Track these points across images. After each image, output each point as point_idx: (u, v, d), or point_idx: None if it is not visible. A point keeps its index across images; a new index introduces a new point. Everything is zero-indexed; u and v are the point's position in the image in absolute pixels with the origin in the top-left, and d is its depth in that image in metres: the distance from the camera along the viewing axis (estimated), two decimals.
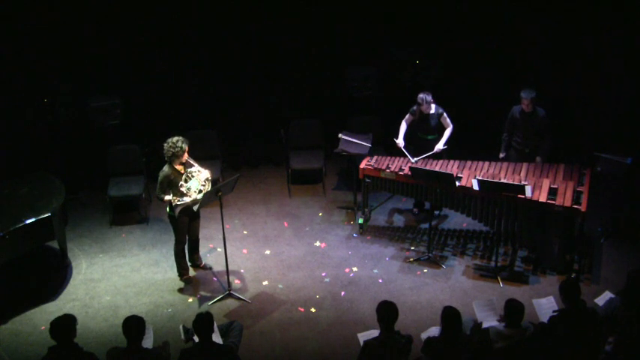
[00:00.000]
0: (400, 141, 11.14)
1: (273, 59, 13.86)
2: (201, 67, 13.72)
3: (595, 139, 12.08)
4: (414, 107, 11.13)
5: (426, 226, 11.14)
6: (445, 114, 11.09)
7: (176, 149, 9.50)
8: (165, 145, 9.56)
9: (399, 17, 13.50)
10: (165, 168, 9.65)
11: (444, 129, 11.11)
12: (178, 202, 9.69)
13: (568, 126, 12.69)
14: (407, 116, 11.23)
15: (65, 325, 7.41)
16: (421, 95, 10.89)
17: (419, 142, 11.20)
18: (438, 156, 11.07)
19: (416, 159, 10.94)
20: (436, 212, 11.60)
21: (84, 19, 12.88)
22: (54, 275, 10.63)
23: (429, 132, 11.14)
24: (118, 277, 10.59)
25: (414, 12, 13.41)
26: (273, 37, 13.68)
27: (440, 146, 11.04)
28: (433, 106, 11.01)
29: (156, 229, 11.61)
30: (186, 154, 9.61)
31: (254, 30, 13.60)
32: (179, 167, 9.67)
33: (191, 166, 9.74)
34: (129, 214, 11.98)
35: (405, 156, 11.06)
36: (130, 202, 11.97)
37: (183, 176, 9.66)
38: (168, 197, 9.67)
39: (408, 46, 13.58)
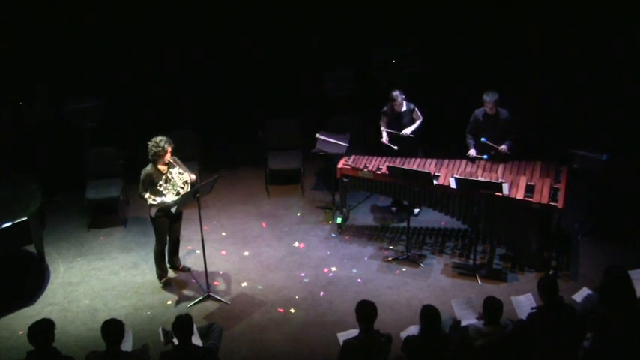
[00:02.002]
0: (385, 138, 11.27)
1: (251, 60, 13.83)
2: (178, 68, 13.68)
3: (571, 136, 12.16)
4: (385, 108, 11.25)
5: (404, 225, 11.15)
6: (417, 109, 11.17)
7: (158, 149, 9.53)
8: (149, 143, 9.61)
9: (376, 17, 13.51)
10: (148, 167, 9.70)
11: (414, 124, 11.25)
12: (153, 202, 9.70)
13: (544, 124, 12.76)
14: (382, 119, 11.34)
15: (43, 329, 7.37)
16: (396, 92, 11.00)
17: (392, 140, 11.28)
18: (414, 154, 11.12)
19: (386, 134, 11.25)
20: (416, 211, 11.62)
21: (61, 20, 12.81)
22: (32, 279, 10.56)
23: (402, 129, 11.21)
24: (97, 280, 10.55)
25: (391, 12, 13.43)
26: (250, 38, 13.66)
27: (407, 132, 11.16)
28: (404, 103, 11.09)
29: (134, 232, 11.57)
30: (169, 155, 9.63)
31: (232, 31, 13.57)
32: (162, 167, 9.70)
33: (174, 167, 9.75)
34: (107, 217, 11.92)
35: (385, 155, 11.14)
36: (108, 205, 11.89)
37: (164, 177, 9.67)
38: (147, 195, 9.69)
39: (384, 46, 13.60)
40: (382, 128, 11.36)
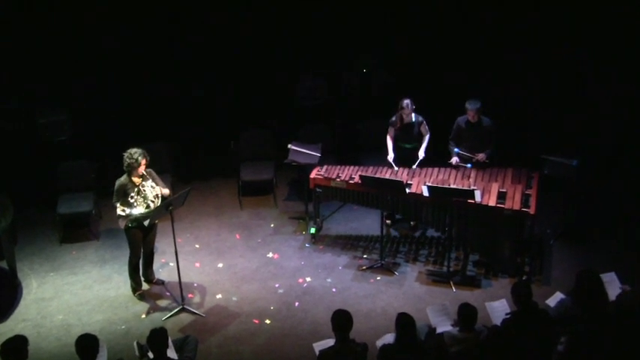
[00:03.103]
0: (391, 155, 11.14)
1: (222, 70, 13.81)
2: (149, 80, 13.63)
3: (541, 142, 12.25)
4: (393, 118, 11.10)
5: (378, 233, 11.15)
6: (425, 122, 11.13)
7: (131, 160, 9.53)
8: (124, 154, 9.61)
9: (347, 26, 13.55)
10: (123, 177, 9.71)
11: (422, 137, 11.16)
12: (122, 213, 9.67)
13: (514, 130, 12.82)
14: (389, 130, 11.19)
15: (16, 346, 7.30)
16: (406, 101, 10.85)
17: (398, 151, 11.20)
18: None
19: (397, 169, 10.98)
20: (411, 222, 11.61)
21: (30, 32, 12.72)
22: (4, 296, 10.46)
23: (409, 141, 11.15)
24: (70, 295, 10.47)
25: (361, 20, 13.47)
26: (221, 48, 13.64)
27: (422, 154, 11.05)
28: (413, 114, 11.02)
29: (107, 246, 11.51)
30: (142, 167, 9.62)
31: (202, 41, 13.55)
32: (136, 179, 9.68)
33: (148, 179, 9.74)
34: (79, 231, 11.83)
35: (357, 164, 11.13)
36: (80, 219, 11.81)
37: (136, 189, 9.65)
38: (118, 205, 9.69)
39: (356, 54, 13.65)
40: (389, 142, 11.21)
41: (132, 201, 9.66)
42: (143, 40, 13.35)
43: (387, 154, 11.17)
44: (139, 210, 9.69)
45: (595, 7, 12.57)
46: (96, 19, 12.96)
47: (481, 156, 10.78)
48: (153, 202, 9.76)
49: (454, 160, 10.92)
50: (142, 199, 9.69)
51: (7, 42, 12.74)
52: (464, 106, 10.75)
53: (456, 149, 10.84)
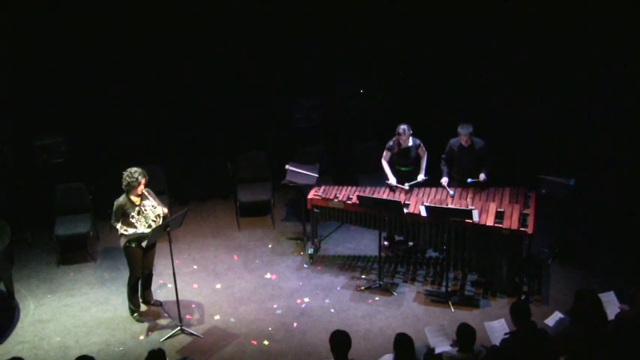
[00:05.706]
0: (392, 179, 11.07)
1: (218, 92, 13.82)
2: (145, 102, 13.62)
3: (538, 161, 12.28)
4: (390, 142, 11.10)
5: (376, 253, 11.14)
6: (422, 144, 11.12)
7: (131, 179, 9.55)
8: (124, 173, 9.64)
9: (341, 47, 13.58)
10: (121, 197, 9.71)
11: (419, 160, 11.17)
12: (124, 232, 9.66)
13: (511, 149, 12.84)
14: (384, 154, 11.18)
15: None
16: (403, 126, 10.80)
17: (394, 173, 11.17)
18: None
19: (403, 185, 10.98)
20: (410, 243, 11.58)
21: (25, 55, 12.73)
22: (1, 318, 10.42)
23: (406, 164, 11.14)
24: (68, 316, 10.44)
25: (355, 41, 13.51)
26: (217, 70, 13.65)
27: (422, 177, 11.05)
28: (411, 138, 10.97)
29: (105, 267, 11.49)
30: (142, 187, 9.64)
31: (197, 62, 13.56)
32: (135, 199, 9.70)
33: (147, 199, 9.74)
34: (77, 253, 11.82)
35: (355, 184, 11.12)
36: (77, 241, 11.80)
37: (137, 208, 9.65)
38: (119, 226, 9.68)
39: (351, 76, 13.67)
40: (385, 166, 11.16)
41: (133, 221, 9.66)
42: (140, 63, 13.35)
43: (385, 178, 11.13)
44: (141, 230, 9.69)
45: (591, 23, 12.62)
46: (90, 40, 12.95)
47: (482, 177, 10.75)
48: (154, 221, 9.76)
49: (443, 180, 10.93)
50: (143, 219, 9.70)
51: (3, 64, 12.76)
52: (457, 127, 10.79)
53: (469, 179, 10.78)
